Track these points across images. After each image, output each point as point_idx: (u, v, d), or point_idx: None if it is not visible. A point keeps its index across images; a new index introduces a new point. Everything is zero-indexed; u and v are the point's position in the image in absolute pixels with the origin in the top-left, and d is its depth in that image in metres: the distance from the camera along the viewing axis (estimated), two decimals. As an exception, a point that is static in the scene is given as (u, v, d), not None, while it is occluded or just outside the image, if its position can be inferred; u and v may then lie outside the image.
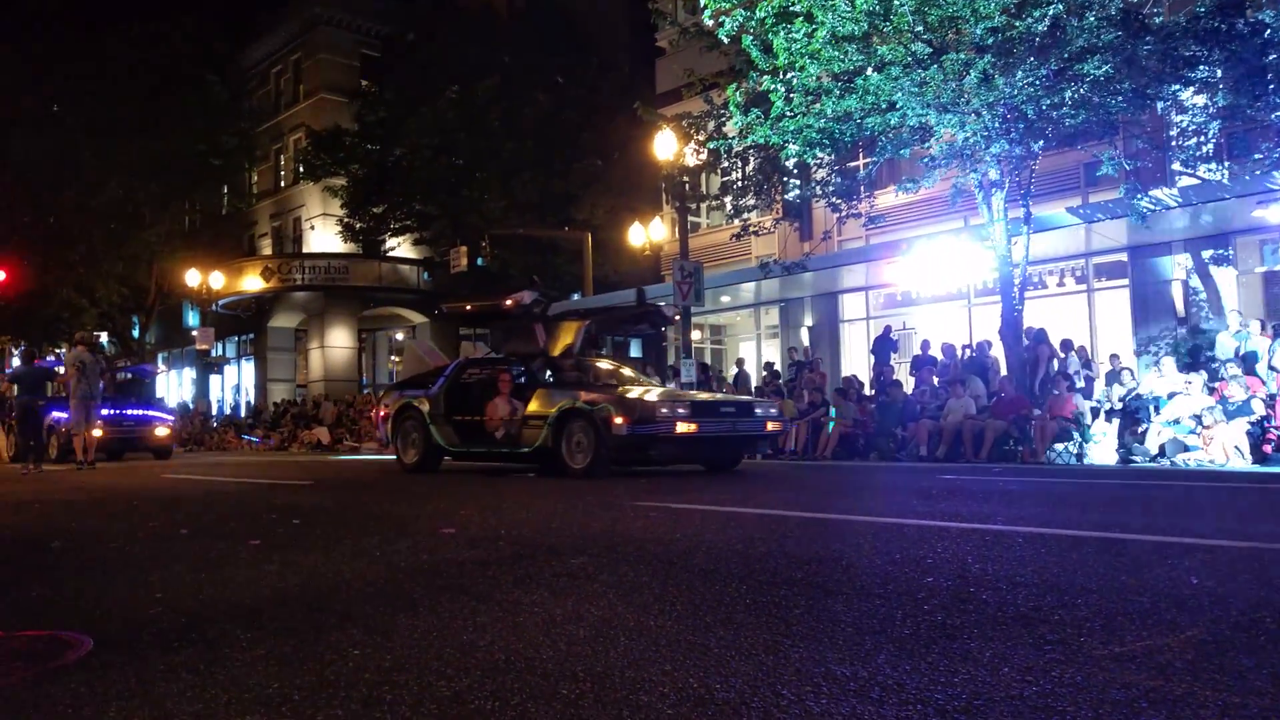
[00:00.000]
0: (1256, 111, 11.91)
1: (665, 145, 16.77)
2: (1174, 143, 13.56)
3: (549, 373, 10.56)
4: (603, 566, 3.70)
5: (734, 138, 13.99)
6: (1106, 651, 2.27)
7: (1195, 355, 13.22)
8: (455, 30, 28.52)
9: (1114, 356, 14.17)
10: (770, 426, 9.69)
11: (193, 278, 29.47)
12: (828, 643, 2.43)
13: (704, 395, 11.47)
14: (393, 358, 37.33)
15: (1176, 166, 14.11)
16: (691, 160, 16.34)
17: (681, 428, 8.64)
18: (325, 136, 30.83)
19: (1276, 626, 2.46)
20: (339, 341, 32.93)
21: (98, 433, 15.54)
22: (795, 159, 13.94)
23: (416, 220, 30.01)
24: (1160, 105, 12.47)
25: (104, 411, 16.35)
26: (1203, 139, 13.13)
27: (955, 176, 13.43)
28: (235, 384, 38.48)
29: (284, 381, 35.11)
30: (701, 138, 15.07)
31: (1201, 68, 11.54)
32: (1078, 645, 2.34)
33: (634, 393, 9.35)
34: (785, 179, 15.41)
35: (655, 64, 24.14)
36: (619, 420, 8.63)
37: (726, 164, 15.11)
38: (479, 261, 24.85)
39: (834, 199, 14.65)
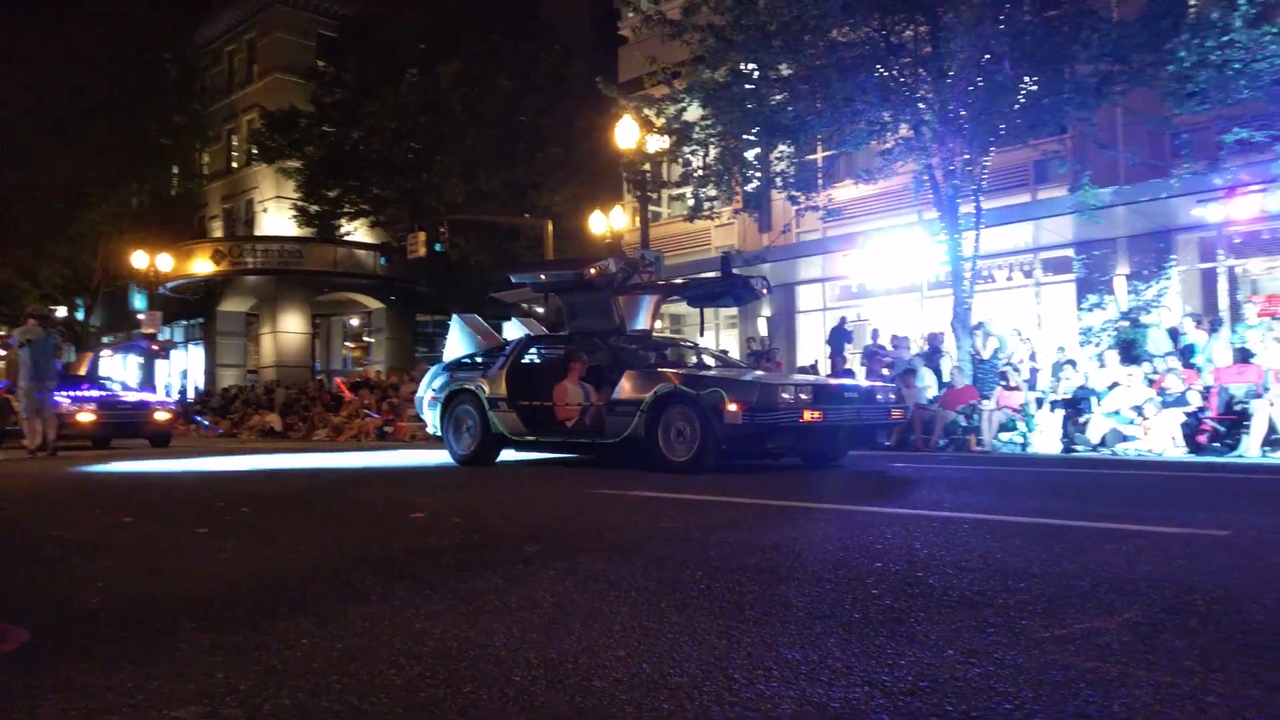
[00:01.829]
0: (1194, 112, 12.20)
1: (626, 133, 16.74)
2: (1119, 142, 13.84)
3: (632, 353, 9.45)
4: (558, 553, 3.72)
5: (695, 123, 14.06)
6: (1048, 634, 2.34)
7: (1135, 349, 13.54)
8: (416, 12, 28.19)
9: (1060, 349, 14.45)
10: (895, 414, 8.76)
11: (140, 260, 28.85)
12: (779, 627, 2.48)
13: (818, 379, 10.38)
14: (346, 343, 36.92)
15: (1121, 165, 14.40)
16: (653, 146, 16.33)
17: (807, 416, 7.53)
18: (280, 117, 30.33)
19: (1207, 609, 2.55)
20: (292, 327, 32.50)
21: (88, 417, 14.88)
22: (753, 147, 14.04)
23: (373, 204, 29.68)
24: (1107, 103, 12.74)
25: (92, 394, 15.84)
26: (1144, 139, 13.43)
27: (910, 171, 13.61)
28: (183, 369, 37.82)
29: (234, 367, 34.58)
30: (661, 121, 15.04)
31: (1148, 71, 11.81)
32: (1020, 628, 2.40)
33: (748, 375, 8.50)
34: (745, 170, 15.48)
35: (618, 52, 24.07)
36: (733, 407, 7.47)
37: (688, 151, 15.09)
38: (438, 248, 24.64)
39: (793, 191, 14.75)
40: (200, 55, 36.62)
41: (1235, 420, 10.52)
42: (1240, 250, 15.15)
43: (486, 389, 9.48)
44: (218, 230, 36.65)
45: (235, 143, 36.74)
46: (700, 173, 14.85)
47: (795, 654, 2.22)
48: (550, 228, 23.47)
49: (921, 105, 12.51)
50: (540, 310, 16.12)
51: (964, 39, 11.65)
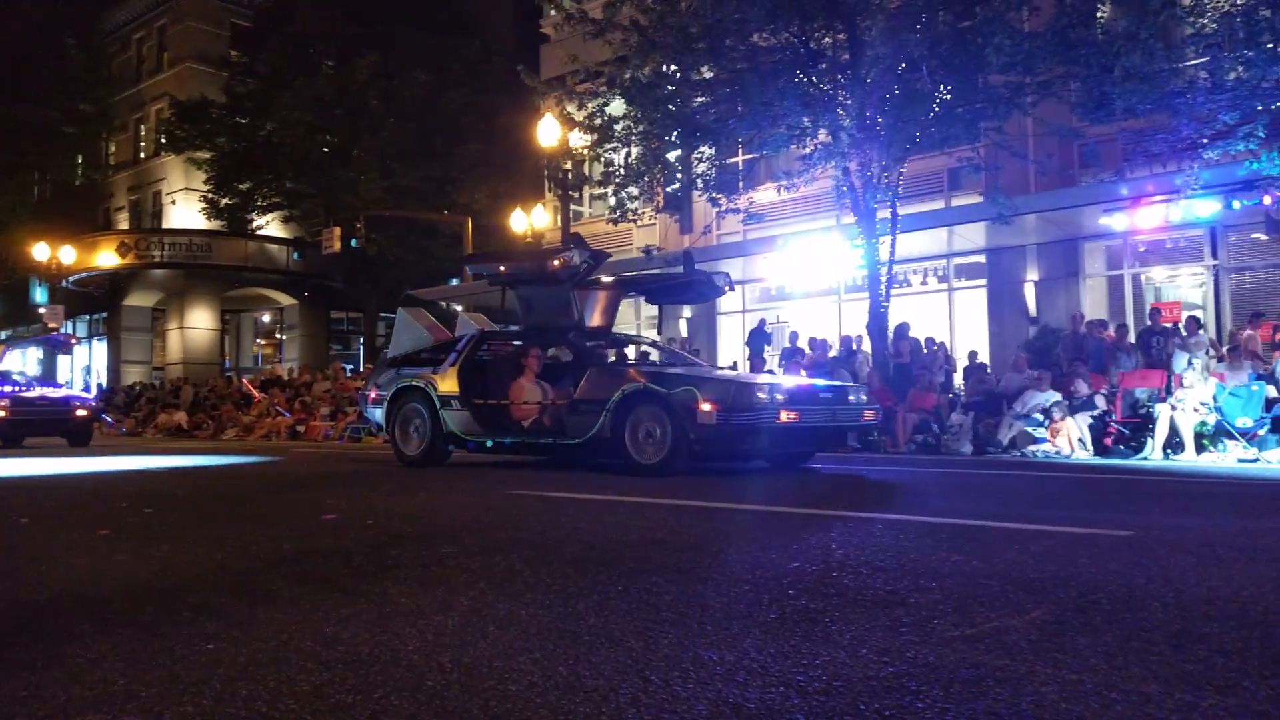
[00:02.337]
0: (1102, 123, 12.68)
1: (548, 131, 16.65)
2: (1030, 151, 14.29)
3: (595, 350, 9.12)
4: (474, 555, 3.66)
5: (617, 119, 14.08)
6: (958, 633, 2.38)
7: (1045, 353, 13.99)
8: (333, 4, 27.64)
9: (972, 353, 14.86)
10: (867, 415, 8.50)
11: (41, 252, 27.67)
12: (696, 628, 2.47)
13: (793, 379, 10.05)
14: (258, 340, 36.01)
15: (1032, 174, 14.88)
16: (575, 142, 16.27)
17: (784, 417, 7.33)
18: (190, 107, 29.45)
19: (1110, 607, 2.63)
20: (200, 323, 31.56)
21: None
22: (675, 150, 14.12)
23: (287, 198, 29.00)
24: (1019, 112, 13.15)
25: (4, 389, 15.19)
26: (1055, 149, 13.92)
27: (829, 176, 13.82)
28: (86, 365, 36.42)
29: (139, 363, 33.43)
30: (583, 114, 14.98)
31: (1055, 83, 12.22)
32: (931, 627, 2.44)
33: (722, 374, 8.18)
34: (666, 171, 15.55)
35: (540, 50, 23.94)
36: (707, 407, 7.17)
37: (609, 148, 15.06)
38: (353, 243, 24.20)
39: (713, 193, 14.86)
40: (107, 41, 35.32)
41: (1139, 424, 10.93)
42: (1145, 259, 15.77)
43: (438, 386, 9.02)
44: (123, 222, 35.40)
45: (143, 132, 35.52)
46: (621, 172, 14.85)
47: (712, 655, 2.22)
48: (470, 225, 23.25)
49: (840, 112, 12.73)
50: (456, 307, 15.82)
51: (880, 47, 11.90)
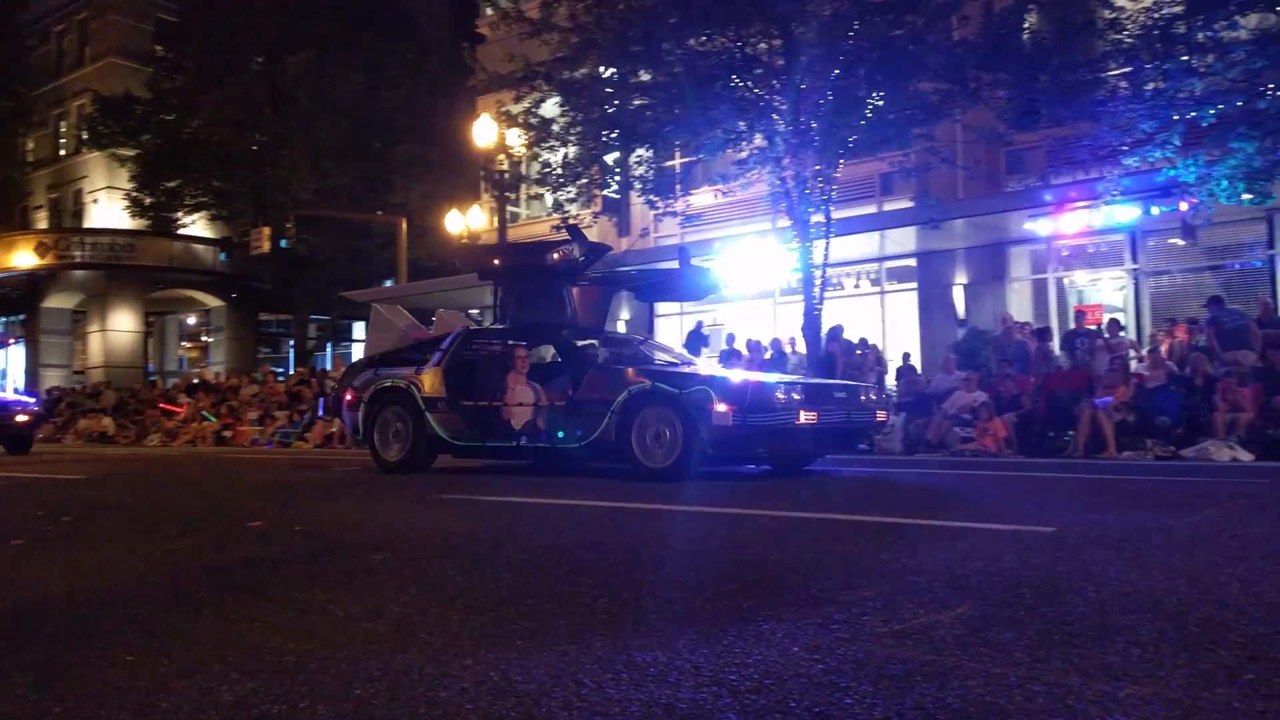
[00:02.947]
0: (1028, 130, 13.02)
1: (484, 131, 16.53)
2: (958, 158, 14.61)
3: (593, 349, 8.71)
4: (405, 561, 3.62)
5: (554, 119, 14.04)
6: (886, 629, 2.42)
7: (973, 355, 14.30)
8: (263, -1, 27.09)
9: (905, 354, 15.12)
10: (879, 416, 8.27)
11: (-47, 251, 26.68)
12: (630, 630, 2.47)
13: (808, 378, 9.69)
14: (183, 343, 35.11)
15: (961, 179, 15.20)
16: (512, 141, 16.16)
17: (803, 418, 7.01)
18: (114, 103, 28.61)
19: (1034, 602, 2.69)
20: (123, 325, 30.62)
21: None
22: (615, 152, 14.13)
23: (215, 197, 28.31)
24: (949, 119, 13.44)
25: None
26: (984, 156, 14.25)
27: (764, 180, 13.94)
28: (1, 369, 35.12)
29: (59, 367, 32.28)
30: (520, 110, 14.89)
31: (984, 91, 12.51)
32: (860, 624, 2.47)
33: (735, 374, 7.93)
34: (604, 173, 15.54)
35: (477, 50, 23.75)
36: (722, 408, 6.83)
37: (546, 149, 14.97)
38: (283, 243, 23.73)
39: (651, 196, 14.89)
40: (25, 34, 34.14)
41: (1063, 423, 11.21)
42: (1068, 263, 16.21)
43: (422, 387, 8.50)
44: (42, 221, 34.23)
45: (64, 129, 34.38)
46: (559, 172, 14.80)
47: (645, 656, 2.22)
48: (404, 225, 22.98)
49: (775, 117, 12.85)
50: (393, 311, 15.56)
51: (814, 54, 12.04)
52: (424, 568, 3.45)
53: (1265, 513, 4.91)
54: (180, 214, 29.53)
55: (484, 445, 8.38)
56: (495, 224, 17.84)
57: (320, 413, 18.00)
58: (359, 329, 33.93)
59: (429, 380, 8.56)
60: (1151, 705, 1.82)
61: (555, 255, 8.32)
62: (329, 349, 33.47)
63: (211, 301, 31.88)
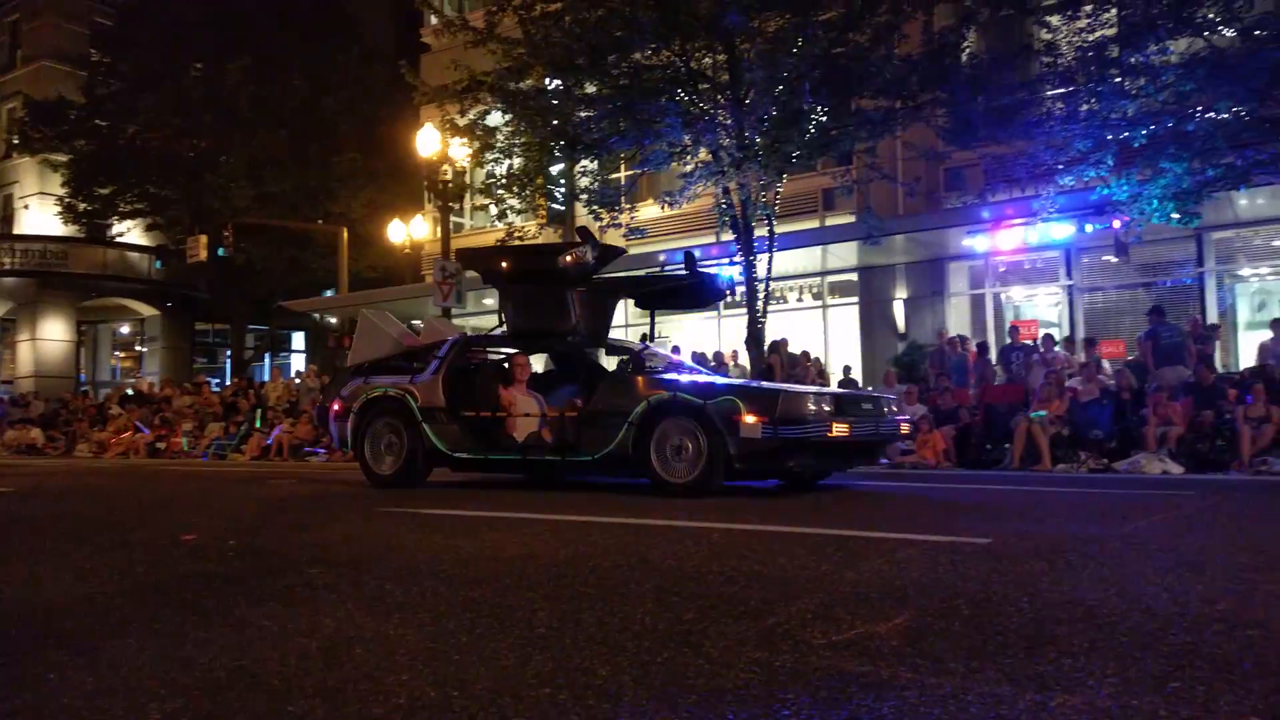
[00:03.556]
0: (967, 148, 13.30)
1: (428, 140, 16.41)
2: (899, 174, 14.86)
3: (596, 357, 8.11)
4: (342, 576, 3.56)
5: (498, 128, 14.00)
6: (825, 640, 2.44)
7: (913, 368, 14.53)
8: (204, 4, 26.59)
9: (846, 367, 15.31)
10: (903, 428, 7.95)
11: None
12: (571, 645, 2.45)
13: (833, 388, 9.21)
14: (116, 353, 34.22)
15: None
16: (456, 154, 16.06)
17: (836, 430, 6.70)
18: (47, 107, 27.79)
19: (969, 613, 2.73)
20: (54, 334, 29.75)
21: None
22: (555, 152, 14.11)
23: (151, 204, 27.66)
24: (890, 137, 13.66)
25: None
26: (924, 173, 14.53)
27: (709, 193, 14.03)
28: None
29: (-14, 377, 31.29)
30: (465, 121, 14.80)
31: (925, 109, 12.75)
32: (800, 636, 2.49)
33: (762, 383, 7.50)
34: (549, 184, 15.52)
35: (420, 60, 23.61)
36: (751, 419, 6.50)
37: (491, 159, 14.88)
38: (220, 252, 23.27)
39: (596, 208, 14.89)
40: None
41: (1000, 436, 11.43)
42: (1005, 279, 16.57)
43: (419, 396, 8.04)
44: (-31, 227, 33.17)
45: (-7, 132, 33.40)
46: (504, 183, 14.73)
47: (586, 672, 2.21)
48: (345, 235, 22.72)
49: (720, 131, 12.95)
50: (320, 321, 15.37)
51: (758, 70, 12.18)
52: (361, 581, 3.40)
53: (1193, 525, 5.05)
54: (115, 220, 28.81)
55: (486, 458, 7.93)
56: (438, 234, 17.69)
57: (257, 424, 17.68)
58: (298, 339, 33.39)
59: (426, 389, 8.08)
60: (1081, 714, 1.86)
61: (568, 258, 7.89)
62: (267, 359, 32.88)
63: (146, 310, 31.13)
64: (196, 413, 19.32)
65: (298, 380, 20.34)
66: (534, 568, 3.65)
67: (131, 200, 27.69)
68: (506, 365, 8.65)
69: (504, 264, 8.54)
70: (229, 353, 30.29)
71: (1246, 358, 13.36)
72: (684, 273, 8.39)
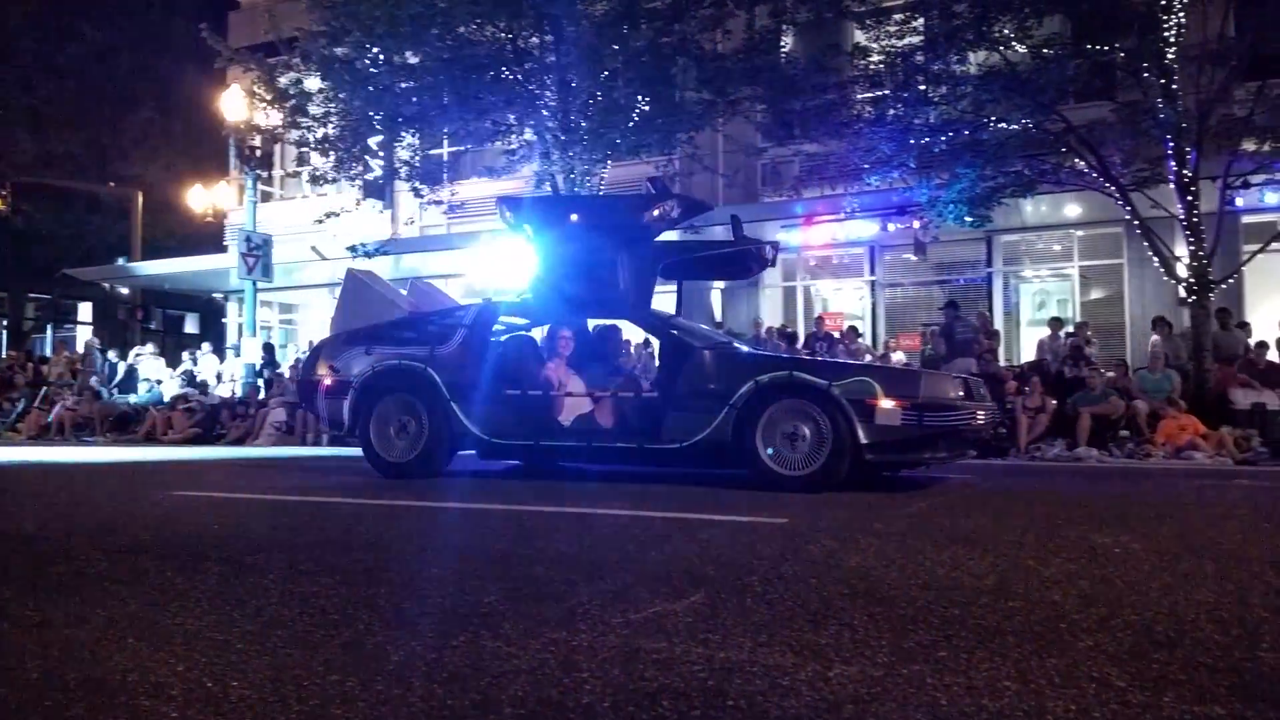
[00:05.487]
0: (782, 145, 13.81)
1: (235, 103, 15.52)
2: (720, 166, 15.25)
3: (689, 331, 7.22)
4: (121, 562, 3.33)
5: (313, 94, 13.43)
6: (623, 619, 2.47)
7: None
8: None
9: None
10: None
11: None
12: (364, 630, 2.39)
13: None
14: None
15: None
16: (265, 120, 15.24)
17: (980, 417, 6.15)
18: None
19: (761, 589, 2.84)
20: None
21: None
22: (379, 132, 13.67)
23: (-85, 157, 24.98)
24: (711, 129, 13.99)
25: None
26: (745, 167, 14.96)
27: (534, 174, 13.93)
28: None
29: None
30: (273, 92, 14.06)
31: (745, 103, 13.12)
32: (599, 615, 2.52)
33: (894, 364, 6.67)
34: (366, 156, 14.98)
35: (228, 16, 22.25)
36: (889, 404, 5.74)
37: (304, 126, 14.15)
38: (-3, 212, 21.31)
39: (417, 183, 14.50)
40: None
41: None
42: (815, 272, 17.30)
43: (445, 371, 6.91)
44: None
45: None
46: (319, 148, 14.07)
47: (377, 654, 2.15)
48: (140, 199, 21.25)
49: (545, 112, 12.88)
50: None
51: (582, 53, 12.18)
52: (141, 568, 3.21)
53: (973, 505, 5.43)
54: None
55: (536, 444, 6.83)
56: (243, 202, 16.79)
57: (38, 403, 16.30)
58: (85, 310, 30.95)
59: (452, 363, 6.95)
60: (856, 682, 1.96)
61: (655, 212, 6.93)
62: (49, 331, 30.33)
63: (-94, 273, 28.10)
64: (-36, 387, 17.60)
65: (83, 353, 18.87)
66: (332, 552, 3.54)
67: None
68: (546, 338, 7.53)
69: (573, 216, 7.33)
70: (5, 323, 27.80)
71: (1028, 353, 14.50)
72: (733, 239, 7.58)
